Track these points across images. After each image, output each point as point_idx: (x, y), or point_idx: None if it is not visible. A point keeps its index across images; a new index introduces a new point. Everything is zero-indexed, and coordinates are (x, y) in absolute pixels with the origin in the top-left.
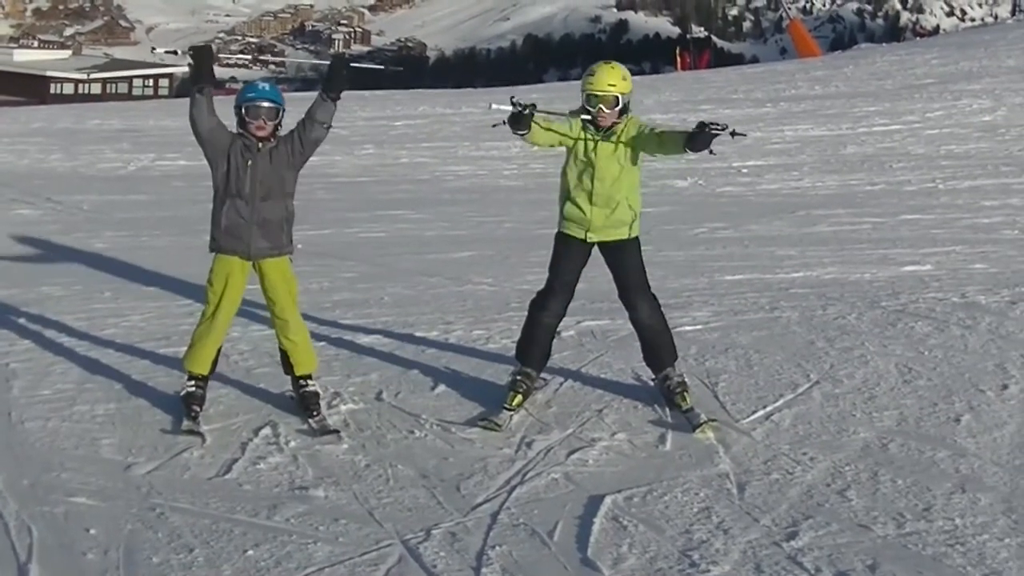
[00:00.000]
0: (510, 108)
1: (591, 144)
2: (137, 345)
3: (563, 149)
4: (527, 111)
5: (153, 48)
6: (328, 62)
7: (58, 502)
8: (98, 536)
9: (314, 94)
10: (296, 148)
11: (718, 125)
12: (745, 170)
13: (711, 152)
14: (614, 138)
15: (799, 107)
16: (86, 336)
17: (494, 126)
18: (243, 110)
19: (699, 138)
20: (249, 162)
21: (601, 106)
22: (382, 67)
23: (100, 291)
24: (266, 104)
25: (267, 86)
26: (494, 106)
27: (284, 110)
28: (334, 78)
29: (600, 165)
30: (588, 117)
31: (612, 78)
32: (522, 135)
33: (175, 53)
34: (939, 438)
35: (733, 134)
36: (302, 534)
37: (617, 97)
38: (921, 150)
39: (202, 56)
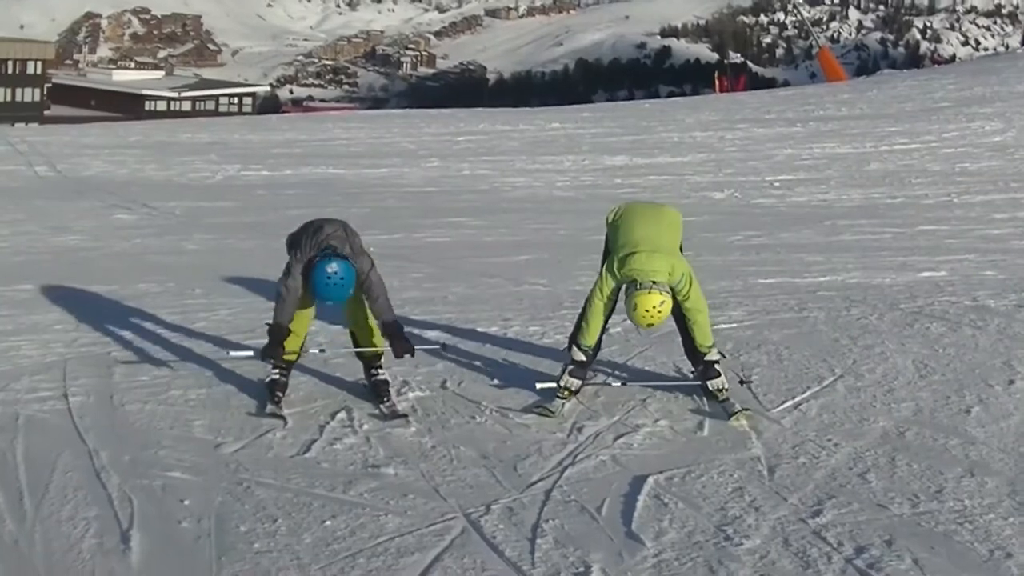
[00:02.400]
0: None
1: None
2: (226, 337)
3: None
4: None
5: (228, 352)
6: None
7: (156, 476)
8: (192, 507)
9: (383, 112)
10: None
11: (722, 384)
12: (777, 183)
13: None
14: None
15: (827, 127)
16: (179, 328)
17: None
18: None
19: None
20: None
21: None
22: (437, 345)
23: (191, 288)
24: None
25: (342, 292)
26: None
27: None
28: (394, 347)
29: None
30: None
31: (651, 315)
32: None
33: (250, 356)
34: (951, 427)
35: (742, 382)
36: (374, 507)
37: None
38: (938, 167)
39: (273, 339)
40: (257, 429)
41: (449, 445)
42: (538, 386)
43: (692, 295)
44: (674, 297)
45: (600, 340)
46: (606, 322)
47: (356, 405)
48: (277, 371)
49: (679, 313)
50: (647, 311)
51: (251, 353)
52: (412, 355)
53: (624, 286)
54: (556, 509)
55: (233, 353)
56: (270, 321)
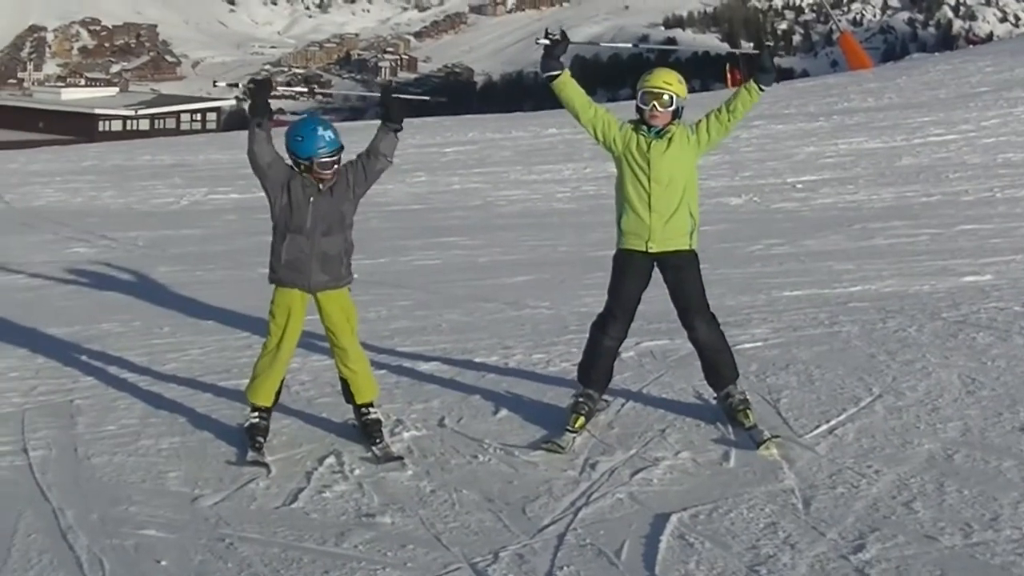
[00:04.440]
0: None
1: (644, 143)
2: (199, 379)
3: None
4: (561, 41)
5: (215, 82)
6: (378, 94)
7: (128, 535)
8: (169, 567)
9: (362, 124)
10: (359, 179)
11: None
12: (800, 185)
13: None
14: (667, 137)
15: (852, 120)
16: (147, 371)
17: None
18: (312, 161)
19: (764, 66)
20: (311, 199)
21: (655, 103)
22: (427, 97)
23: (159, 326)
24: (333, 157)
25: (330, 134)
26: (539, 41)
27: (343, 148)
28: (391, 108)
29: (655, 165)
30: (639, 115)
31: (668, 78)
32: (552, 77)
33: (236, 86)
34: (1004, 448)
35: (760, 52)
36: (370, 560)
37: (672, 97)
38: (978, 159)
39: (261, 89)
40: (238, 479)
41: (450, 488)
42: (538, 41)
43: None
44: (684, 258)
45: (611, 368)
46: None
47: (346, 448)
48: (256, 415)
49: (677, 283)
50: (665, 72)
51: (238, 85)
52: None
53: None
54: (570, 555)
55: (219, 83)
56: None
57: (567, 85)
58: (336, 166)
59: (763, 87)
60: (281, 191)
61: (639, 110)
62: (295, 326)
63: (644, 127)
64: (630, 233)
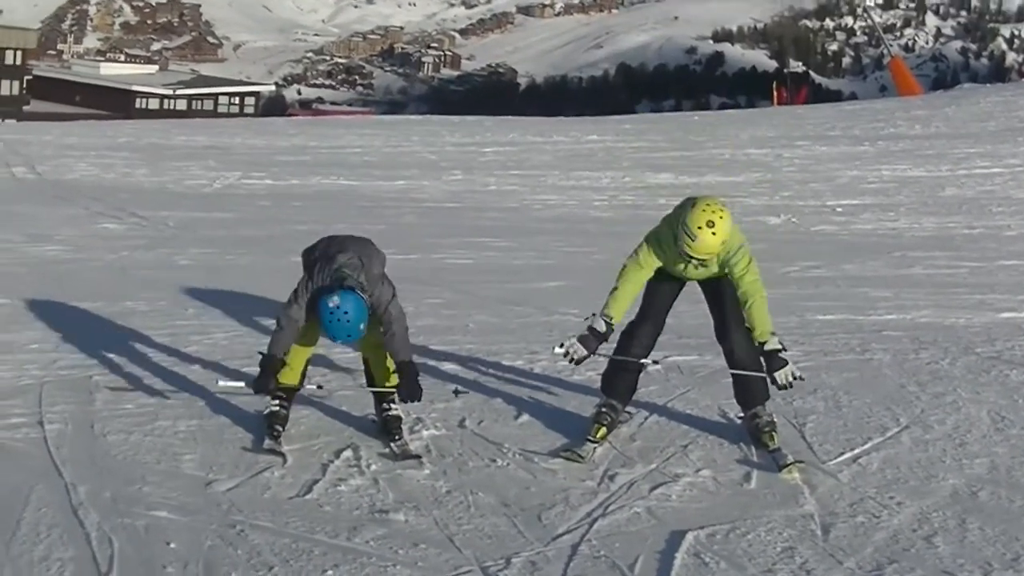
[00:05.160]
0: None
1: (681, 265)
2: (221, 363)
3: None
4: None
5: (218, 381)
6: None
7: (139, 515)
8: (178, 550)
9: (402, 117)
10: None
11: (791, 373)
12: (840, 208)
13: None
14: (708, 263)
15: (898, 146)
16: (169, 352)
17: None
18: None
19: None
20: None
21: (695, 262)
22: (452, 391)
23: (184, 308)
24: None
25: (354, 334)
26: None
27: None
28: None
29: (690, 276)
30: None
31: (711, 247)
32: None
33: (240, 387)
34: None
35: (793, 380)
36: (381, 557)
37: (714, 257)
38: (1023, 194)
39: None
40: (253, 467)
41: (466, 490)
42: (557, 348)
43: (749, 276)
44: (726, 277)
45: (636, 380)
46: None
47: (364, 443)
48: (277, 402)
49: (715, 294)
50: (708, 205)
51: (242, 384)
52: (418, 400)
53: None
54: (584, 565)
55: (222, 383)
56: (264, 350)
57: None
58: None
59: (769, 374)
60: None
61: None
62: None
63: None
64: (666, 266)
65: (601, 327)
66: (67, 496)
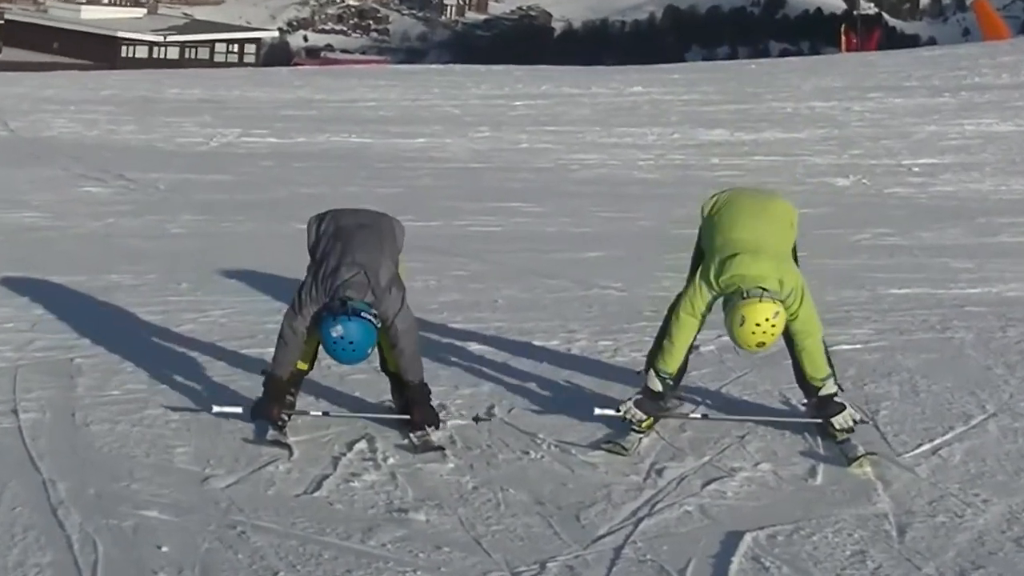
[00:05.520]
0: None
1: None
2: (217, 343)
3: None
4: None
5: (212, 407)
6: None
7: (127, 515)
8: (171, 554)
9: (421, 67)
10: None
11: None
12: (917, 168)
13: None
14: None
15: (983, 98)
16: (160, 331)
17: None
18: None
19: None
20: None
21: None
22: (473, 419)
23: (176, 282)
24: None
25: (357, 356)
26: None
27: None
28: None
29: None
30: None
31: (761, 337)
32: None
33: (239, 413)
34: None
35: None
36: (400, 561)
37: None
38: None
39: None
40: (255, 460)
41: (495, 487)
42: (597, 411)
43: (802, 313)
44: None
45: (686, 362)
46: (694, 341)
47: (380, 434)
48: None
49: (787, 334)
50: (758, 325)
51: (239, 410)
52: (436, 427)
53: (723, 298)
54: (628, 570)
55: (217, 408)
56: (268, 369)
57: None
58: None
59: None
60: None
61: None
62: None
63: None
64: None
65: (657, 387)
66: (45, 493)
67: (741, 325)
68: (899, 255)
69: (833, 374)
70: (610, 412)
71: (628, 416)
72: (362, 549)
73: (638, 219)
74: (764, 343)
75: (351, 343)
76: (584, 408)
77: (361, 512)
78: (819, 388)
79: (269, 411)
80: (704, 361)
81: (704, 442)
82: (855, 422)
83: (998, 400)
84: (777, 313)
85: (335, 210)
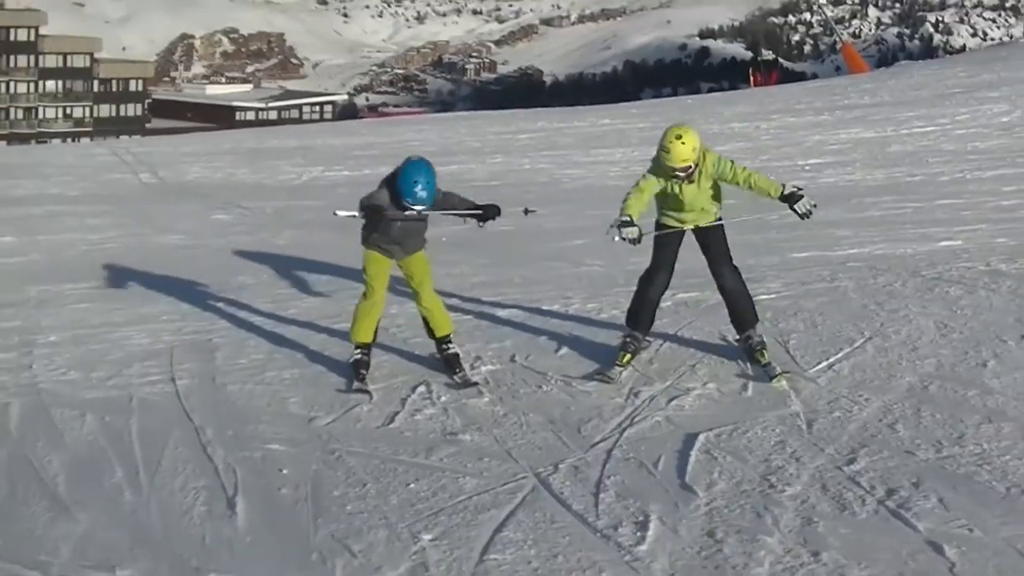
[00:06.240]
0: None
1: (677, 187)
2: (314, 322)
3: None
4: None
5: (335, 212)
6: (482, 211)
7: (256, 448)
8: (290, 475)
9: (452, 115)
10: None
11: (808, 202)
12: (808, 167)
13: (802, 216)
14: (695, 178)
15: (851, 114)
16: (273, 316)
17: (614, 239)
18: (403, 200)
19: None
20: (399, 224)
21: (679, 173)
22: (535, 210)
23: (283, 279)
24: (420, 209)
25: (426, 194)
26: (616, 238)
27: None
28: (489, 216)
29: (688, 199)
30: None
31: (684, 155)
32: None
33: (354, 216)
34: (970, 380)
35: (808, 215)
36: (453, 470)
37: (690, 165)
38: (952, 147)
39: (372, 216)
40: (346, 404)
41: (519, 412)
42: (615, 238)
43: (736, 167)
44: (713, 228)
45: (654, 315)
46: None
47: (434, 379)
48: (359, 352)
49: (706, 243)
50: (675, 127)
51: (355, 214)
52: (499, 214)
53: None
54: (617, 466)
55: (340, 212)
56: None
57: (637, 212)
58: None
59: (785, 201)
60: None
61: (672, 175)
62: (383, 278)
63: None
64: (667, 222)
65: (627, 219)
66: (197, 437)
67: (665, 131)
68: (799, 229)
69: (757, 320)
70: (617, 239)
71: (627, 236)
72: (426, 463)
73: (612, 215)
74: (680, 134)
75: (425, 181)
76: (581, 351)
77: (424, 436)
78: (783, 192)
79: (376, 211)
80: (664, 313)
81: (667, 371)
82: (812, 206)
83: (873, 328)
84: (688, 126)
85: None
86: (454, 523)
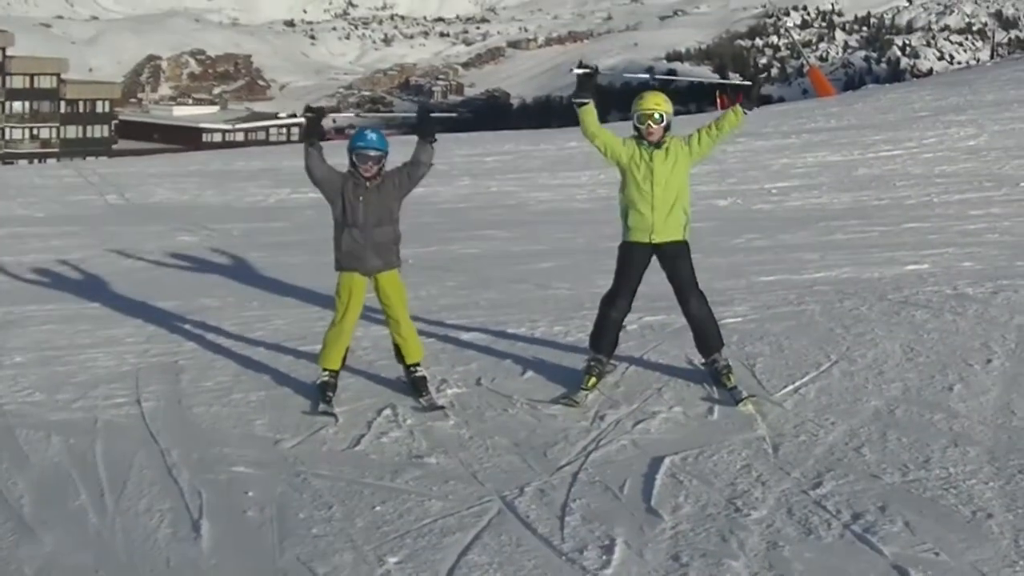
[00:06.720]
0: (582, 71)
1: (647, 154)
2: (281, 344)
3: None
4: (593, 71)
5: (277, 114)
6: (415, 113)
7: (222, 471)
8: (255, 497)
9: (414, 137)
10: (403, 182)
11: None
12: (775, 190)
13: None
14: (665, 147)
15: (818, 137)
16: (239, 338)
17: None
18: (353, 155)
19: (751, 96)
20: (360, 197)
21: (649, 122)
22: (455, 114)
23: (249, 301)
24: (372, 152)
25: (374, 136)
26: (574, 71)
27: (387, 154)
28: (425, 126)
29: (657, 171)
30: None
31: (657, 99)
32: (582, 104)
33: (294, 115)
34: (936, 404)
35: (753, 84)
36: (419, 493)
37: (662, 115)
38: (919, 170)
39: (314, 117)
40: (312, 426)
41: (485, 436)
42: (573, 71)
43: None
44: (679, 257)
45: (617, 338)
46: (623, 323)
47: (400, 402)
48: (327, 375)
49: (673, 268)
50: (654, 95)
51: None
52: (432, 137)
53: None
54: (582, 489)
55: (281, 114)
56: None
57: (589, 113)
58: (377, 166)
59: (747, 111)
60: (336, 195)
61: (636, 128)
62: (356, 304)
63: (644, 142)
64: (635, 228)
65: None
66: (163, 459)
67: (641, 94)
68: (765, 253)
69: (723, 344)
70: (577, 71)
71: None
72: (391, 486)
73: (577, 238)
74: (649, 91)
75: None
76: (546, 375)
77: (390, 459)
78: (743, 111)
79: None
80: (630, 336)
81: (633, 394)
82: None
83: (839, 351)
84: (668, 111)
85: None
86: (420, 546)
